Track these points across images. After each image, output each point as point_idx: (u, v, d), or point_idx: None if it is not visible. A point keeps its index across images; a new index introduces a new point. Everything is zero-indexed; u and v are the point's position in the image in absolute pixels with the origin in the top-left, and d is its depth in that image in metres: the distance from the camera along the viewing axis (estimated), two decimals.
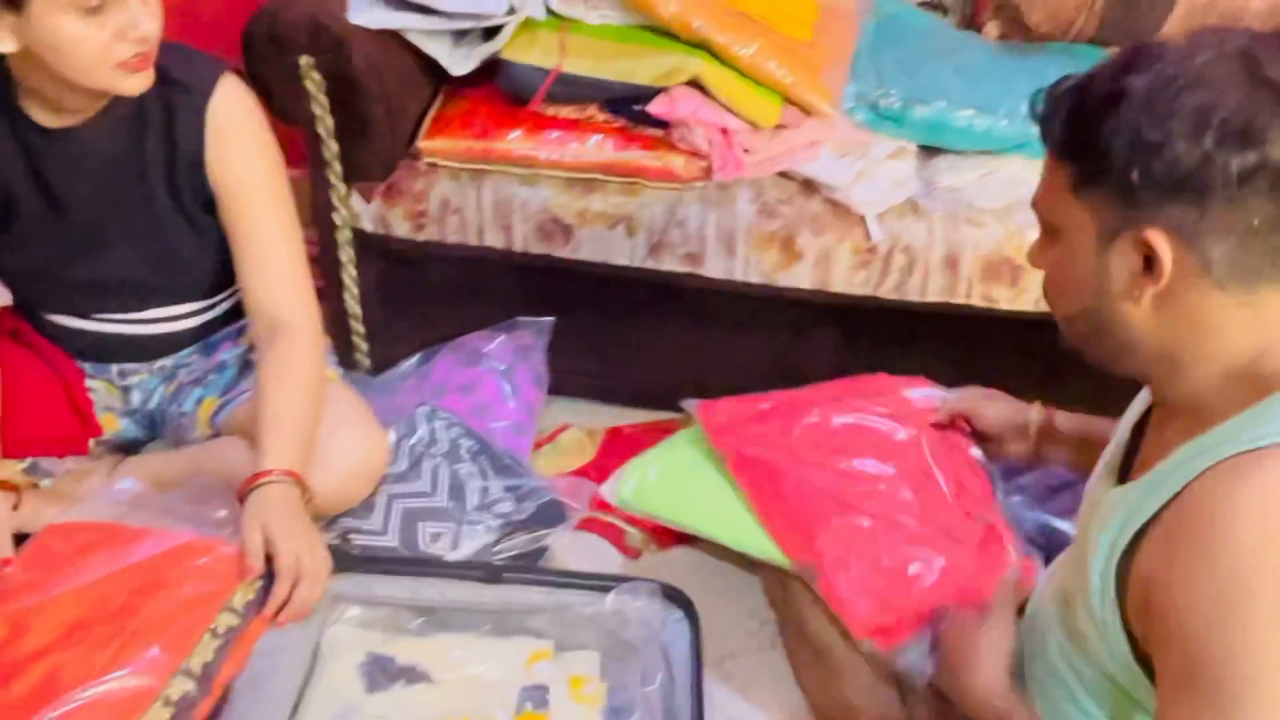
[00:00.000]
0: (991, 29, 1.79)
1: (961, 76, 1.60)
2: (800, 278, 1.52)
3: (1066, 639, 0.88)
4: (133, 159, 1.19)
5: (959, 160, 1.57)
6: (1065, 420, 1.15)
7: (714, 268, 1.53)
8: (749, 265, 1.52)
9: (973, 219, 1.50)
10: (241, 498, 1.11)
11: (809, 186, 1.53)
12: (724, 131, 1.49)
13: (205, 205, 1.22)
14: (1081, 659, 0.86)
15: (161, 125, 1.18)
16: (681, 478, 1.26)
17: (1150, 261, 0.73)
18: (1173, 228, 0.72)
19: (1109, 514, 0.80)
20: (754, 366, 1.62)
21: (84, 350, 1.35)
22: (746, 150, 1.49)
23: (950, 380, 1.32)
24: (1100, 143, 0.73)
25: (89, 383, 1.38)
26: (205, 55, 1.22)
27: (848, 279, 1.51)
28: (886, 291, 1.52)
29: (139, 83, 1.10)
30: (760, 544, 1.17)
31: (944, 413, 1.24)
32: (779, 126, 1.52)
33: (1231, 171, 0.69)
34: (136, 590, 1.03)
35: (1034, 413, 1.18)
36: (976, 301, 1.52)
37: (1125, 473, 0.87)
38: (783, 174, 1.54)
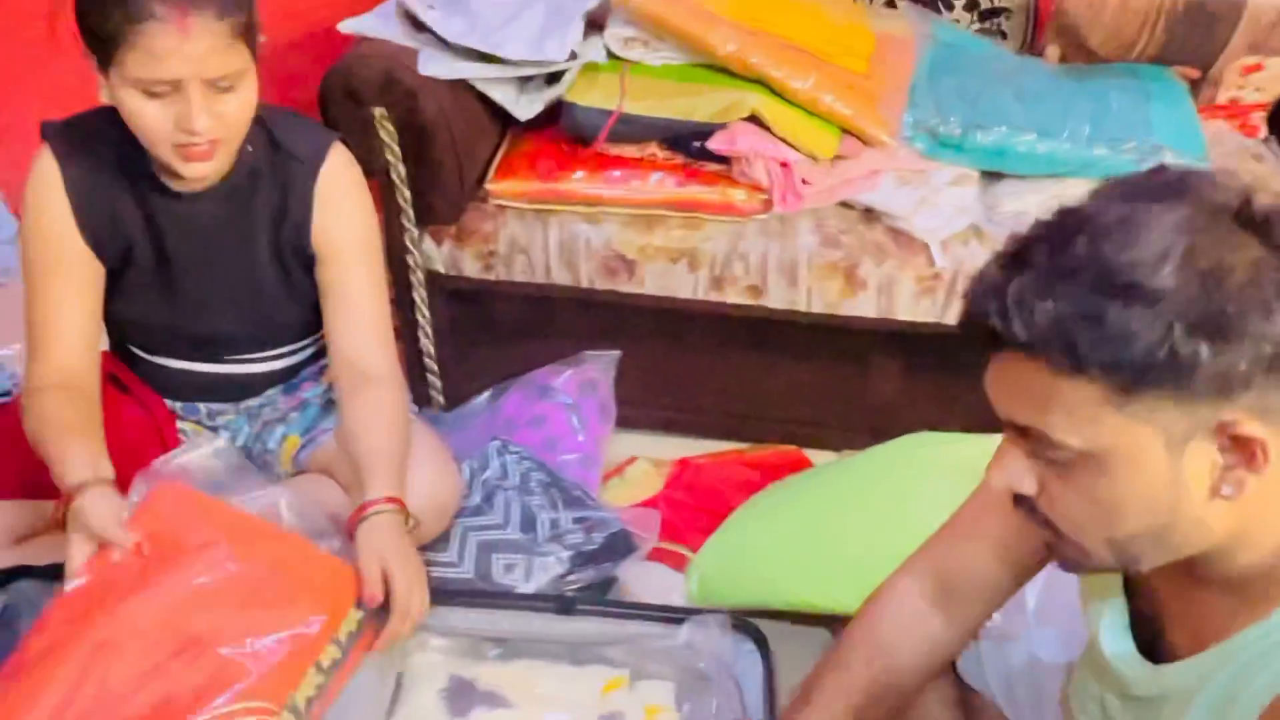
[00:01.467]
0: (1052, 52, 1.79)
1: (1022, 101, 1.60)
2: (864, 307, 1.53)
3: None
4: (240, 222, 1.24)
5: (1021, 185, 1.57)
6: None
7: (776, 299, 1.55)
8: (812, 295, 1.53)
9: None
10: (350, 530, 1.14)
11: (870, 216, 1.54)
12: (783, 164, 1.51)
13: (304, 265, 1.27)
14: None
15: (272, 192, 1.23)
16: (737, 562, 1.31)
17: (1238, 446, 0.62)
18: (1258, 407, 0.61)
19: (1169, 697, 0.73)
20: (818, 396, 1.63)
21: (175, 389, 1.41)
22: (806, 182, 1.51)
23: None
24: (1144, 344, 0.59)
25: (180, 424, 1.44)
26: (315, 124, 1.28)
27: (912, 307, 1.52)
28: (952, 318, 1.52)
29: (199, 171, 1.13)
30: (822, 599, 1.20)
31: None
32: (838, 158, 1.54)
33: None
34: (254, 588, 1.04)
35: None
36: None
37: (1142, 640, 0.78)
38: (843, 204, 1.55)
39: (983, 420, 1.26)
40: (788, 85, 1.51)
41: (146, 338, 1.35)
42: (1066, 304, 0.60)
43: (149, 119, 1.08)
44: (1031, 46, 1.86)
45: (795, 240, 1.52)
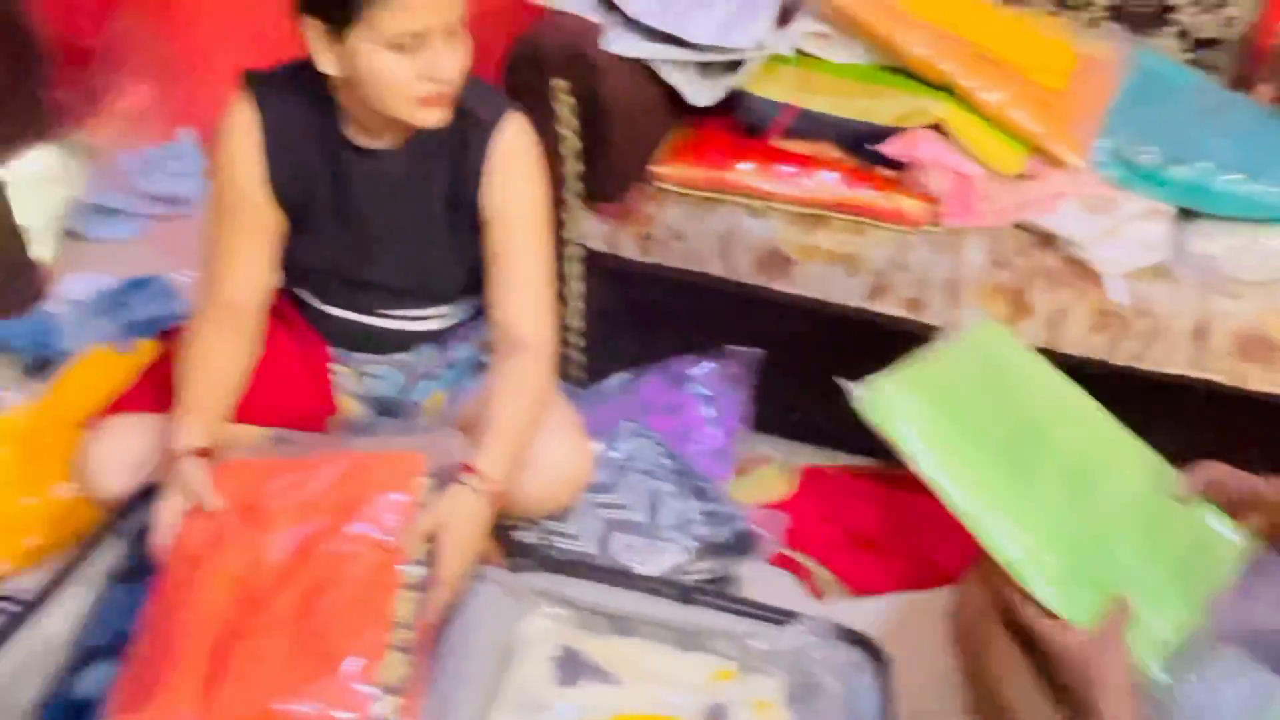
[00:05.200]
0: (1264, 90, 1.67)
1: (1227, 138, 1.50)
2: (1028, 335, 1.46)
3: None
4: (421, 180, 1.28)
5: (1216, 226, 1.47)
6: None
7: (936, 315, 1.49)
8: (974, 316, 1.47)
9: (1229, 290, 1.39)
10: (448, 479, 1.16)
11: (1046, 242, 1.47)
12: (962, 177, 1.45)
13: (473, 226, 1.30)
14: None
15: (451, 152, 1.27)
16: (934, 415, 1.03)
17: None
18: None
19: None
20: None
21: (337, 336, 1.46)
22: (982, 198, 1.45)
23: (1177, 458, 1.22)
24: None
25: (335, 366, 1.49)
26: (496, 89, 1.31)
27: (1082, 340, 1.44)
28: (1121, 357, 1.44)
29: (435, 117, 1.18)
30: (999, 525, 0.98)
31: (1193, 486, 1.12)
32: (1021, 176, 1.47)
33: None
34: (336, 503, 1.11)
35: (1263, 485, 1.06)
36: (1223, 378, 1.41)
37: None
38: (1019, 226, 1.49)
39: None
40: (977, 95, 1.46)
41: (316, 284, 1.40)
42: None
43: (398, 73, 1.12)
44: (1243, 83, 1.74)
45: (963, 256, 1.46)
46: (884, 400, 1.02)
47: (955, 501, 0.99)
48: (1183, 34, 1.76)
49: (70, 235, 2.25)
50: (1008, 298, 1.45)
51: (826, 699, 1.08)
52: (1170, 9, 1.74)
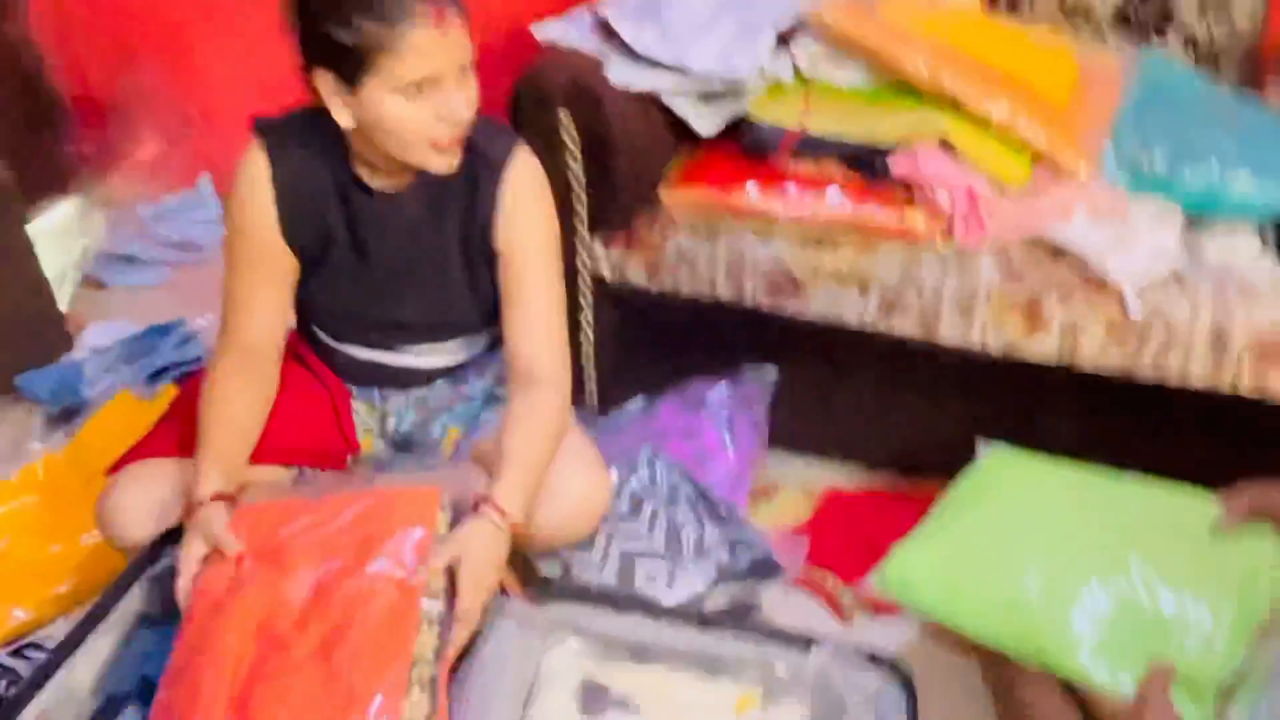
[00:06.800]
0: (1275, 92, 1.66)
1: (1237, 140, 1.49)
2: (1045, 348, 1.45)
3: None
4: (435, 220, 1.30)
5: (1231, 230, 1.46)
6: None
7: (949, 333, 1.48)
8: (988, 331, 1.46)
9: (1246, 294, 1.38)
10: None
11: (1058, 254, 1.46)
12: (970, 192, 1.45)
13: (487, 261, 1.31)
14: None
15: (463, 192, 1.28)
16: (950, 567, 1.09)
17: None
18: None
19: None
20: (984, 435, 1.55)
21: (353, 374, 1.47)
22: (992, 213, 1.45)
23: (1200, 474, 1.20)
24: None
25: (354, 403, 1.50)
26: (503, 125, 1.32)
27: (1099, 354, 1.42)
28: (1140, 369, 1.42)
29: (446, 161, 1.19)
30: (1024, 645, 1.04)
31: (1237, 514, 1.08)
32: (1029, 188, 1.47)
33: None
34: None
35: None
36: (1244, 384, 1.39)
37: None
38: (1031, 239, 1.48)
39: (1162, 469, 1.16)
40: (981, 108, 1.45)
41: (333, 324, 1.41)
42: None
43: (413, 120, 1.13)
44: (1250, 85, 1.73)
45: (975, 272, 1.45)
46: (900, 581, 1.10)
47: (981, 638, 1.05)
48: (1188, 40, 1.75)
49: (92, 284, 2.29)
50: (1022, 312, 1.44)
51: None
52: (1172, 15, 1.73)
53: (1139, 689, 0.93)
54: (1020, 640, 1.02)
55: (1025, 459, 1.18)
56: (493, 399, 1.44)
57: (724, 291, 1.59)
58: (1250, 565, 1.02)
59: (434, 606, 1.08)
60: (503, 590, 1.13)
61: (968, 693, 1.21)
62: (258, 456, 1.30)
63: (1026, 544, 1.07)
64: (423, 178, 1.27)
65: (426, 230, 1.30)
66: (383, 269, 1.32)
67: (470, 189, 1.28)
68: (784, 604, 1.40)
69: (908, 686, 1.09)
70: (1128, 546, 1.04)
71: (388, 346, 1.41)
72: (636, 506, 1.45)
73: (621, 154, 1.52)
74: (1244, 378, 1.38)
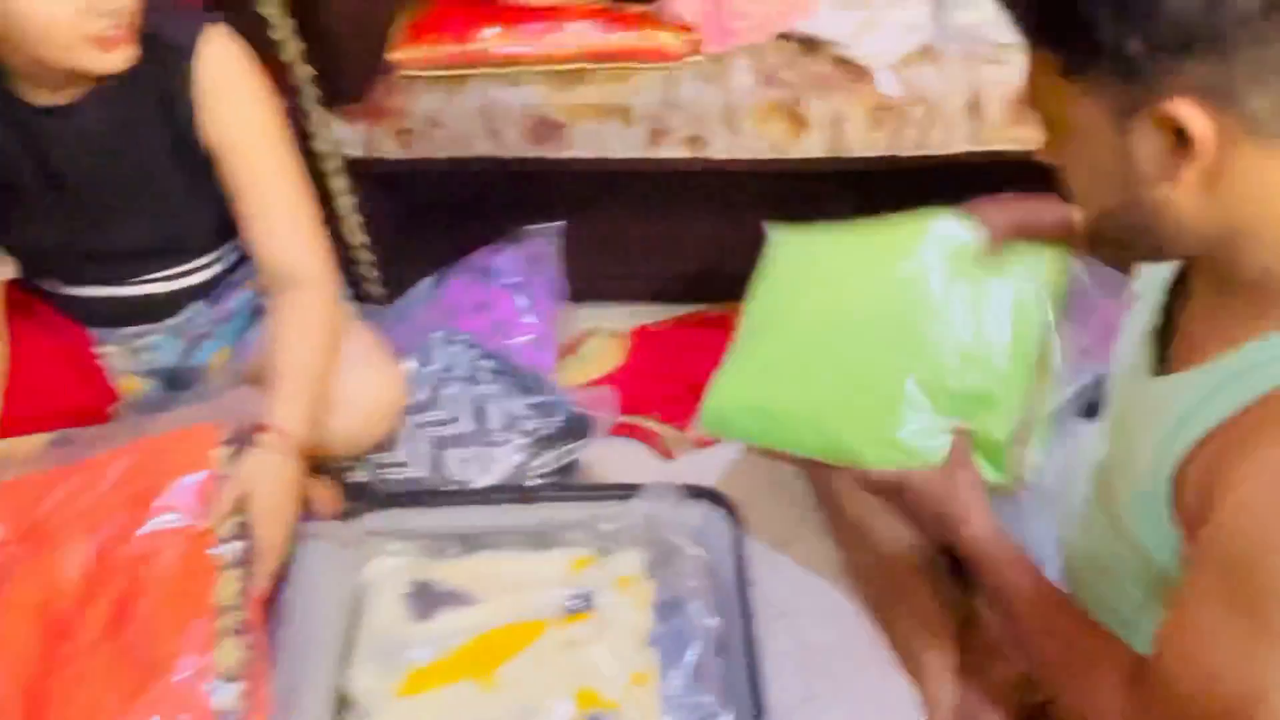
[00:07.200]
0: None
1: None
2: (812, 147, 1.43)
3: (1107, 523, 0.83)
4: (130, 128, 1.15)
5: None
6: None
7: (719, 148, 1.44)
8: (756, 140, 1.43)
9: (993, 57, 1.39)
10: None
11: (811, 46, 1.43)
12: None
13: (204, 166, 1.18)
14: (1122, 542, 0.80)
15: (154, 91, 1.14)
16: (758, 393, 1.08)
17: (1181, 135, 0.62)
18: (1198, 90, 0.61)
19: (1157, 410, 0.73)
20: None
21: (95, 316, 1.34)
22: (738, 16, 1.39)
23: None
24: (1081, 17, 0.63)
25: (102, 348, 1.37)
26: (188, 9, 1.17)
27: (864, 141, 1.42)
28: (907, 149, 1.43)
29: (118, 59, 1.05)
30: (841, 447, 1.03)
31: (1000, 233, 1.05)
32: None
33: (1248, 5, 0.58)
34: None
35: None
36: (1005, 146, 1.42)
37: (1161, 354, 0.78)
38: (781, 36, 1.44)
39: None
40: None
41: (51, 266, 1.27)
42: None
43: (59, 17, 1.00)
44: None
45: (732, 82, 1.41)
46: (717, 421, 1.09)
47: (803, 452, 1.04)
48: None
49: None
50: (784, 114, 1.41)
51: (685, 559, 1.09)
52: None
53: (947, 457, 0.95)
54: (837, 449, 1.02)
55: (806, 236, 1.15)
56: (258, 312, 1.34)
57: (483, 148, 1.49)
58: (1019, 300, 1.02)
59: (229, 550, 1.01)
60: (311, 512, 1.06)
61: (795, 505, 1.24)
62: (4, 429, 1.19)
63: (822, 344, 1.06)
64: (102, 84, 1.11)
65: (121, 142, 1.15)
66: (83, 195, 1.18)
67: (160, 86, 1.13)
68: (607, 457, 1.39)
69: (732, 513, 1.11)
70: (913, 315, 1.03)
71: (120, 280, 1.28)
72: (437, 393, 1.39)
73: (335, 13, 1.37)
74: (1003, 140, 1.41)
